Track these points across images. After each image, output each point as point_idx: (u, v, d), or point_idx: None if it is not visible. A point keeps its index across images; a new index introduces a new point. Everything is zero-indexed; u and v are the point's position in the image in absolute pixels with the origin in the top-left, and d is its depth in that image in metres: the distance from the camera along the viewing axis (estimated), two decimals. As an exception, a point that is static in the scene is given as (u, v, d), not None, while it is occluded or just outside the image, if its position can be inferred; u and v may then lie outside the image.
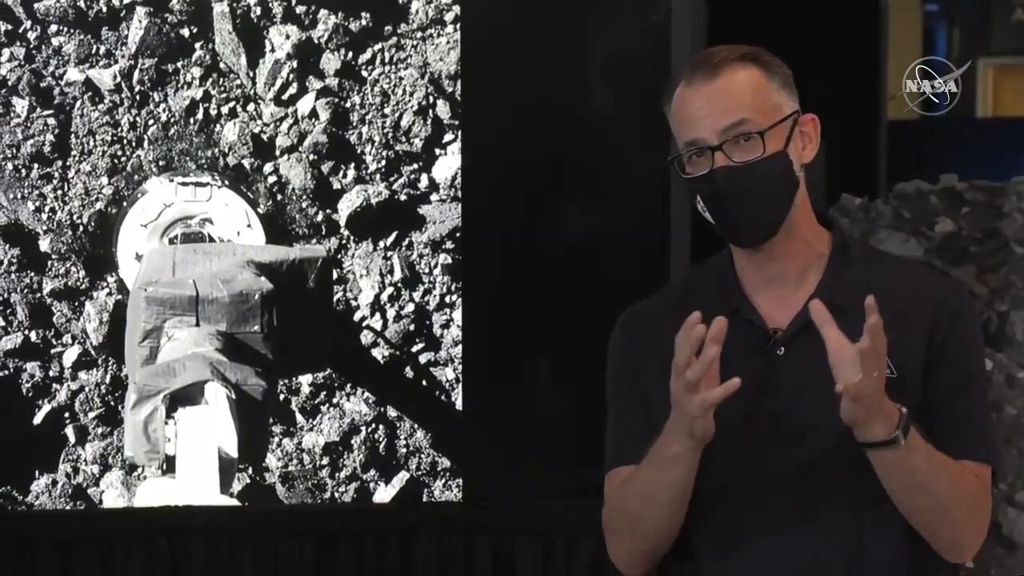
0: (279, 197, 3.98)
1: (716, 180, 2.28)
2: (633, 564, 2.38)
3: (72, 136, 3.92)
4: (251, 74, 3.95)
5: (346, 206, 3.99)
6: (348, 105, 3.97)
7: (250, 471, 3.98)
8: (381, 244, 4.00)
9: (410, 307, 4.02)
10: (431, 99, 3.98)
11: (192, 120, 3.95)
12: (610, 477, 2.39)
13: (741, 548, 2.31)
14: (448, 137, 3.99)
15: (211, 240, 3.97)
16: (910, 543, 2.30)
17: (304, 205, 3.98)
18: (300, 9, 3.95)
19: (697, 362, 2.16)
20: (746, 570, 2.31)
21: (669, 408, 2.28)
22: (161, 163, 3.95)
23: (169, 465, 3.80)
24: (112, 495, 3.95)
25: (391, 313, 4.01)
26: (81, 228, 3.93)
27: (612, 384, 2.44)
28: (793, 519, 2.28)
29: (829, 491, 2.27)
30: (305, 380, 4.01)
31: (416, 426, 4.03)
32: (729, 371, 2.27)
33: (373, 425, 4.03)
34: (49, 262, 3.93)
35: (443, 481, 4.03)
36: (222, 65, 3.94)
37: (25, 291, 3.93)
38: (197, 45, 3.93)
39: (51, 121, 3.91)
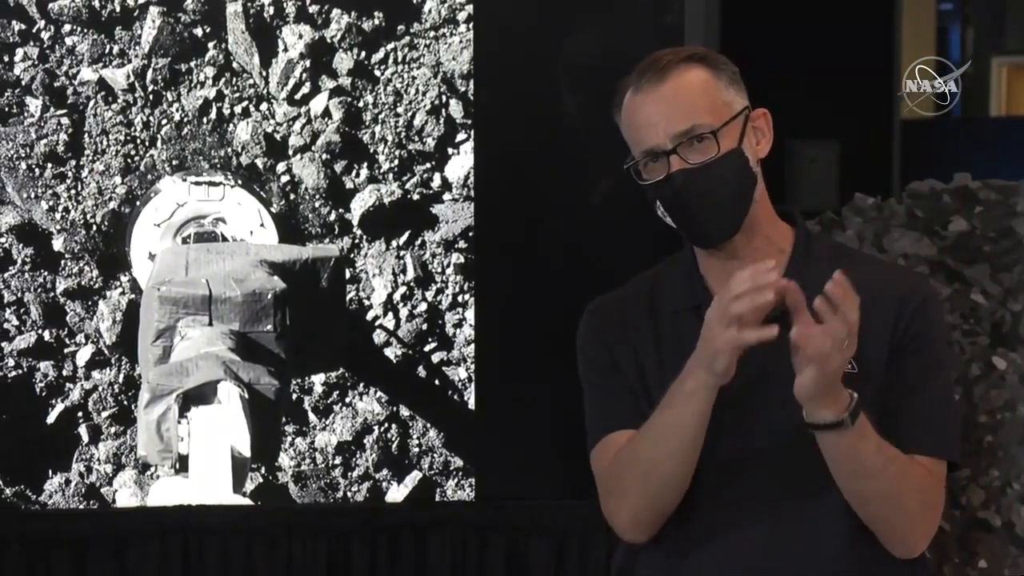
0: (292, 196, 3.98)
1: (674, 183, 2.29)
2: (636, 523, 2.35)
3: (85, 135, 3.93)
4: (264, 73, 3.95)
5: (359, 205, 3.99)
6: (361, 104, 3.98)
7: (263, 470, 3.98)
8: (394, 243, 4.01)
9: (423, 306, 4.02)
10: (444, 98, 3.99)
11: (205, 119, 3.95)
12: (603, 444, 2.38)
13: (698, 538, 2.32)
14: (461, 136, 3.99)
15: (224, 239, 3.97)
16: (863, 533, 2.30)
17: (317, 204, 3.99)
18: (313, 8, 3.95)
19: (748, 297, 2.14)
20: (702, 560, 2.32)
21: (645, 390, 2.31)
22: (174, 162, 3.96)
23: (182, 464, 3.81)
24: (125, 494, 3.96)
25: (404, 312, 4.02)
26: (94, 227, 3.94)
27: (587, 364, 2.45)
28: (752, 509, 2.29)
29: (785, 482, 2.27)
30: (318, 379, 4.01)
31: (429, 425, 4.03)
32: None
33: (386, 424, 4.03)
34: (62, 261, 3.94)
35: (456, 480, 4.03)
36: (235, 64, 3.95)
37: (39, 290, 3.94)
38: (210, 44, 3.94)
39: (64, 121, 3.92)
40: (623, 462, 2.33)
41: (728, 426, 2.26)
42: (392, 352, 4.03)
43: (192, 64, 3.94)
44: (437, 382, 4.03)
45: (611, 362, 2.40)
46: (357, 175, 3.99)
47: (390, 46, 3.98)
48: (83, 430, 3.96)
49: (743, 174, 2.31)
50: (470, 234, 4.01)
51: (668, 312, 2.38)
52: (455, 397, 4.03)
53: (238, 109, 3.96)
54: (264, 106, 3.96)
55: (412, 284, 4.01)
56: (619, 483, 2.34)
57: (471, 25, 3.97)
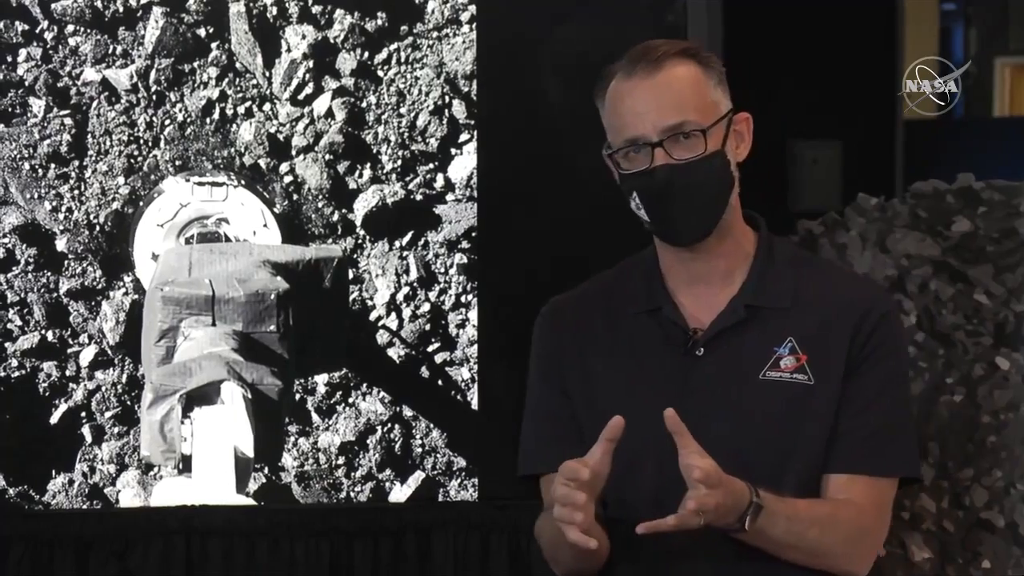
0: (295, 197, 3.98)
1: (657, 177, 2.26)
2: None
3: (89, 136, 3.93)
4: (267, 74, 3.95)
5: (362, 206, 3.99)
6: (364, 105, 3.98)
7: (266, 471, 3.98)
8: (397, 244, 4.01)
9: (426, 307, 4.02)
10: (447, 99, 3.99)
11: (208, 120, 3.95)
12: (543, 482, 2.38)
13: (661, 566, 2.28)
14: (464, 137, 3.99)
15: (227, 240, 3.98)
16: None
17: (320, 205, 3.99)
18: (316, 9, 3.95)
19: (567, 514, 2.16)
20: None
21: (587, 403, 2.30)
22: (177, 163, 3.96)
23: (185, 465, 3.81)
24: (128, 494, 3.96)
25: (407, 313, 4.02)
26: (98, 228, 3.94)
27: (535, 372, 2.42)
28: (711, 534, 2.21)
29: None
30: (321, 380, 4.01)
31: (432, 426, 4.03)
32: (648, 370, 2.26)
33: (389, 425, 4.03)
34: (66, 262, 3.94)
35: (459, 480, 4.03)
36: (238, 65, 3.95)
37: (42, 291, 3.94)
38: (213, 45, 3.94)
39: (68, 121, 3.92)
40: (538, 534, 2.37)
41: (663, 462, 2.20)
42: (395, 352, 4.03)
43: (195, 64, 3.94)
44: (440, 382, 4.03)
45: (557, 376, 2.37)
46: (360, 175, 3.99)
47: (393, 46, 3.98)
48: (86, 430, 3.96)
49: (724, 176, 2.29)
50: (473, 234, 4.01)
51: (624, 313, 2.36)
52: (458, 397, 4.03)
53: (241, 109, 3.96)
54: (267, 106, 3.96)
55: (415, 284, 4.01)
56: (542, 549, 2.39)
57: (474, 25, 3.97)
